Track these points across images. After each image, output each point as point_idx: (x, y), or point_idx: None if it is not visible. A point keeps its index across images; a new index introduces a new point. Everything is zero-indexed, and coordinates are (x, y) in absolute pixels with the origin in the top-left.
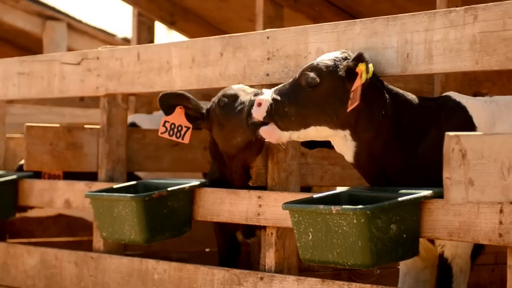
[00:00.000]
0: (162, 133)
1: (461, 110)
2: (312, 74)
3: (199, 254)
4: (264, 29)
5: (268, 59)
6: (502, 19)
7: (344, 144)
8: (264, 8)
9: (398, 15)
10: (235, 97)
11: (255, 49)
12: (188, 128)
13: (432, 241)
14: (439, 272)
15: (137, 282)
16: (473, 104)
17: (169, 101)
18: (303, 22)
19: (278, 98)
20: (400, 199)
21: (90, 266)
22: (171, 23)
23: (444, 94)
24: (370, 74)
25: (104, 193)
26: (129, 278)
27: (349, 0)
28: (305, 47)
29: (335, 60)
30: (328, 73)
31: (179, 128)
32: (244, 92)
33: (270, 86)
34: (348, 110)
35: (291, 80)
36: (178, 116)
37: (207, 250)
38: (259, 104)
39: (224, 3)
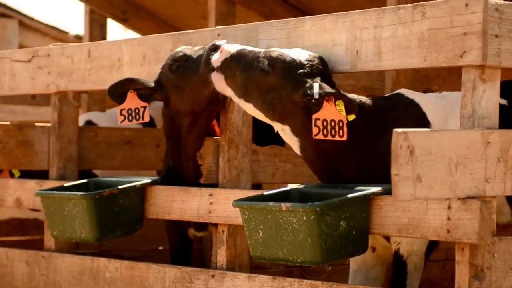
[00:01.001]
0: (121, 121)
1: (415, 107)
2: (266, 63)
3: (151, 252)
4: (216, 26)
5: None
6: (450, 16)
7: (286, 137)
8: (216, 5)
9: (348, 12)
10: (185, 57)
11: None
12: (144, 107)
13: (388, 238)
14: (394, 269)
15: (88, 280)
16: (425, 101)
17: (118, 91)
18: (255, 19)
19: (237, 60)
20: (349, 195)
21: (41, 265)
22: (123, 20)
23: (396, 92)
24: (350, 118)
25: (54, 192)
26: (81, 277)
27: None
28: (256, 44)
29: (296, 62)
30: (282, 71)
31: (136, 111)
32: (192, 50)
33: None
34: (337, 138)
35: (256, 50)
36: (131, 100)
37: (160, 248)
38: (221, 51)
39: (176, 1)
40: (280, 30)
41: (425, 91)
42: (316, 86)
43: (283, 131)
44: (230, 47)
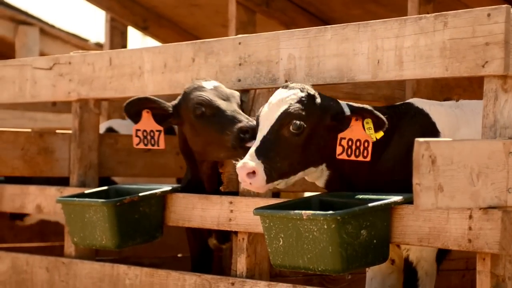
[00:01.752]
0: (137, 144)
1: (424, 116)
2: (297, 122)
3: (171, 260)
4: (236, 35)
5: (240, 64)
6: (472, 26)
7: (319, 175)
8: (237, 14)
9: (369, 21)
10: (212, 107)
11: (227, 55)
12: (159, 131)
13: (398, 245)
14: (405, 276)
15: (108, 287)
16: (436, 110)
17: (134, 108)
18: (275, 28)
19: (268, 157)
20: (370, 205)
21: (61, 272)
22: (144, 28)
23: (406, 102)
24: (378, 135)
25: (75, 198)
26: (101, 284)
27: (322, 6)
28: (277, 53)
29: (303, 101)
30: (308, 116)
31: (152, 134)
32: (221, 97)
33: (241, 91)
34: (361, 159)
35: (265, 134)
36: (147, 121)
37: (179, 255)
38: (253, 173)
39: (197, 9)
40: (301, 39)
41: (445, 100)
42: (344, 105)
43: (321, 170)
44: (250, 161)
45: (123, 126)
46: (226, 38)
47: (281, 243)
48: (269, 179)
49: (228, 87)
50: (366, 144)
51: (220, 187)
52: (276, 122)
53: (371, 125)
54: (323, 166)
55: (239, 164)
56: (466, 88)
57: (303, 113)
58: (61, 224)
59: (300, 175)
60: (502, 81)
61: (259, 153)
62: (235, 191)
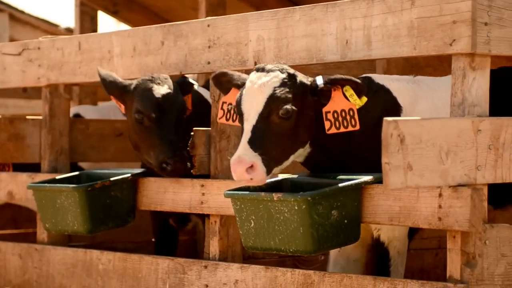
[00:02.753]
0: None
1: (385, 92)
2: (286, 107)
3: (145, 244)
4: (206, 17)
5: (209, 47)
6: (439, 4)
7: (300, 153)
8: None
9: (337, 1)
10: (151, 121)
11: (196, 38)
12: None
13: None
14: (376, 256)
15: (81, 273)
16: (396, 86)
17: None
18: (246, 10)
19: (264, 147)
20: (340, 185)
21: (34, 258)
22: (114, 13)
23: (364, 76)
24: (362, 101)
25: (46, 184)
26: (74, 269)
27: None
28: (246, 34)
29: (286, 82)
30: (294, 98)
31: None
32: (165, 108)
33: (211, 74)
34: (350, 129)
35: (254, 123)
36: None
37: (153, 239)
38: (251, 167)
39: None
40: (270, 20)
41: None
42: (319, 78)
43: (304, 149)
44: (247, 154)
45: (91, 111)
46: (195, 21)
47: (252, 225)
48: (269, 170)
49: (198, 69)
50: (351, 113)
51: (192, 170)
52: (264, 109)
53: (352, 92)
54: (307, 145)
55: (234, 159)
56: (436, 67)
57: (289, 95)
58: (34, 211)
59: (291, 158)
60: (469, 59)
61: (253, 144)
62: (206, 174)
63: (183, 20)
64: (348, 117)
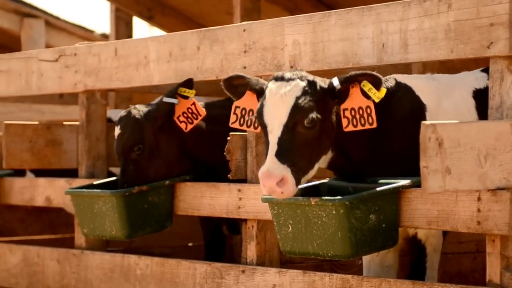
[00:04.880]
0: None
1: (408, 91)
2: (311, 115)
3: (181, 249)
4: (241, 22)
5: (245, 52)
6: (476, 7)
7: (323, 160)
8: (241, 1)
9: (373, 5)
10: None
11: (232, 42)
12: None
13: None
14: (412, 253)
15: (119, 278)
16: (417, 84)
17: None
18: (280, 14)
19: (292, 159)
20: (378, 189)
21: (72, 263)
22: (149, 18)
23: (387, 77)
24: (382, 93)
25: (84, 190)
26: (112, 274)
27: None
28: (282, 39)
29: (307, 91)
30: (317, 107)
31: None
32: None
33: None
34: (367, 127)
35: (279, 135)
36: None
37: (190, 244)
38: (281, 180)
39: None
40: (305, 24)
41: None
42: (335, 79)
43: (326, 156)
44: (276, 169)
45: None
46: (230, 26)
47: (290, 229)
48: (298, 181)
49: None
50: (368, 110)
51: (228, 175)
52: (288, 120)
53: (370, 86)
54: (329, 150)
55: (263, 173)
56: (472, 69)
57: (312, 104)
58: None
59: (316, 167)
60: (507, 62)
61: (281, 157)
62: (243, 179)
63: (217, 24)
64: (365, 115)
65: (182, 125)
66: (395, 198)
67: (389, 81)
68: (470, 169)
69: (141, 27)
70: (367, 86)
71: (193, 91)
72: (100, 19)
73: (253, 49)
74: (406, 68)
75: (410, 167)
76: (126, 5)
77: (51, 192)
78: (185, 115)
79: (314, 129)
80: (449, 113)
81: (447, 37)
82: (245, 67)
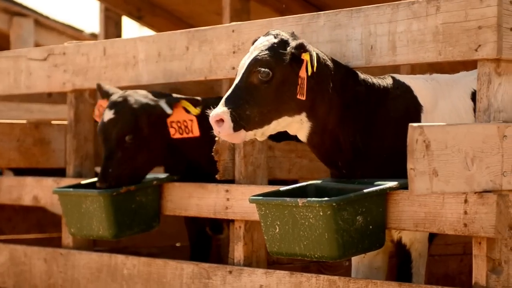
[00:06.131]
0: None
1: (407, 91)
2: (264, 69)
3: (169, 249)
4: (230, 23)
5: (234, 52)
6: (464, 9)
7: (300, 127)
8: (231, 2)
9: (362, 7)
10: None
11: (221, 43)
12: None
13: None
14: (398, 259)
15: (106, 277)
16: (416, 84)
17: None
18: (270, 15)
19: (236, 105)
20: (365, 190)
21: (59, 263)
22: (138, 18)
23: (388, 75)
24: (314, 68)
25: (71, 189)
26: (99, 274)
27: None
28: None
29: (274, 47)
30: (276, 63)
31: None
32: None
33: None
34: (298, 97)
35: (237, 82)
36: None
37: (177, 244)
38: (221, 120)
39: None
40: (294, 25)
41: None
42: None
43: (300, 121)
44: (219, 110)
45: None
46: (219, 26)
47: (277, 230)
48: (237, 126)
49: (222, 75)
50: (304, 82)
51: (216, 176)
52: (245, 69)
53: (308, 58)
54: (302, 116)
55: (211, 113)
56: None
57: (271, 59)
58: (58, 215)
59: (274, 124)
60: (495, 65)
61: (228, 101)
62: (231, 179)
63: (207, 25)
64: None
65: (171, 130)
66: (382, 199)
67: (386, 79)
68: (457, 172)
69: (131, 27)
70: (306, 56)
71: (197, 110)
72: (89, 18)
73: (242, 50)
74: (394, 70)
75: (403, 169)
76: (115, 5)
77: (38, 191)
78: (178, 124)
79: (268, 83)
80: (445, 114)
81: (435, 40)
82: (234, 68)
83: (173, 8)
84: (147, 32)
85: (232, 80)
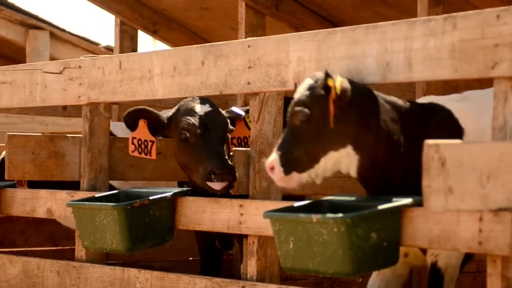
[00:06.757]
0: (132, 151)
1: (448, 115)
2: (301, 109)
3: (182, 263)
4: (246, 38)
5: (249, 67)
6: (481, 27)
7: (349, 162)
8: (246, 17)
9: (378, 23)
10: (196, 137)
11: (236, 58)
12: (152, 142)
13: (424, 250)
14: (430, 281)
15: None
16: (456, 107)
17: (132, 118)
18: (285, 30)
19: (284, 149)
20: (380, 207)
21: (72, 275)
22: (153, 32)
23: (429, 102)
24: (338, 90)
25: (85, 202)
26: (111, 287)
27: (331, 9)
28: (286, 55)
29: (311, 87)
30: (312, 100)
31: (145, 144)
32: (209, 125)
33: (251, 94)
34: (331, 125)
35: (285, 128)
36: (142, 130)
37: (190, 258)
38: (272, 168)
39: (207, 12)
40: (310, 41)
41: None
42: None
43: (347, 155)
44: (270, 158)
45: (121, 129)
46: (235, 41)
47: (291, 246)
48: (287, 170)
49: (237, 90)
50: (331, 104)
51: (230, 190)
52: (289, 114)
53: (332, 83)
54: (348, 149)
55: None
56: (476, 89)
57: (307, 98)
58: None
59: (322, 162)
60: (511, 83)
61: (279, 147)
62: (245, 194)
63: (222, 40)
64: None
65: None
66: (396, 216)
67: (427, 104)
68: (472, 189)
69: (145, 41)
70: (330, 82)
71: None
72: (105, 32)
73: (257, 65)
74: (409, 86)
75: None
76: (131, 19)
77: (52, 204)
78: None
79: (309, 122)
80: (485, 133)
81: (452, 57)
82: (249, 83)
83: (189, 23)
84: (160, 46)
85: (247, 95)
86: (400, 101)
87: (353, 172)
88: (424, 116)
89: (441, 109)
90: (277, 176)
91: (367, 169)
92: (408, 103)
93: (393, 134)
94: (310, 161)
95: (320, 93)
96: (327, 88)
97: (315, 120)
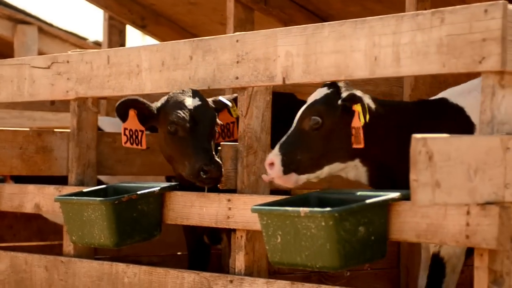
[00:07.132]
0: (125, 142)
1: (459, 112)
2: (314, 117)
3: (170, 258)
4: (234, 33)
5: (238, 62)
6: (469, 22)
7: (356, 172)
8: (235, 12)
9: (366, 18)
10: (185, 131)
11: (225, 53)
12: (142, 131)
13: None
14: (431, 271)
15: (107, 286)
16: (469, 104)
17: (123, 109)
18: (274, 25)
19: (288, 150)
20: (368, 201)
21: (60, 270)
22: (142, 27)
23: (440, 97)
24: (367, 119)
25: (73, 197)
26: (99, 282)
27: (320, 3)
28: (274, 50)
29: (327, 96)
30: (327, 112)
31: (136, 134)
32: (198, 119)
33: (239, 89)
34: (354, 147)
35: (291, 129)
36: (132, 120)
37: (178, 253)
38: (271, 164)
39: (195, 7)
40: (298, 36)
41: None
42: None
43: (355, 167)
44: (272, 154)
45: (109, 124)
46: (223, 36)
47: (279, 240)
48: (286, 170)
49: (226, 84)
50: (360, 131)
51: (218, 185)
52: (299, 117)
53: (360, 109)
54: (356, 162)
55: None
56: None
57: (322, 108)
58: (60, 224)
59: (326, 169)
60: (499, 77)
61: (281, 146)
62: (233, 189)
63: (210, 34)
64: (358, 135)
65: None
66: (384, 210)
67: (439, 104)
68: (459, 183)
69: (134, 36)
70: (358, 108)
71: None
72: (93, 26)
73: (245, 60)
74: (398, 81)
75: None
76: (119, 14)
77: (40, 199)
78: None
79: (319, 131)
80: None
81: (440, 51)
82: (237, 78)
83: (177, 18)
84: (149, 41)
85: (235, 90)
86: (410, 104)
87: (364, 181)
88: (436, 116)
89: (453, 107)
90: (275, 173)
91: (377, 177)
92: (418, 104)
93: (403, 143)
94: (312, 167)
95: (336, 108)
96: (347, 108)
97: (326, 130)
